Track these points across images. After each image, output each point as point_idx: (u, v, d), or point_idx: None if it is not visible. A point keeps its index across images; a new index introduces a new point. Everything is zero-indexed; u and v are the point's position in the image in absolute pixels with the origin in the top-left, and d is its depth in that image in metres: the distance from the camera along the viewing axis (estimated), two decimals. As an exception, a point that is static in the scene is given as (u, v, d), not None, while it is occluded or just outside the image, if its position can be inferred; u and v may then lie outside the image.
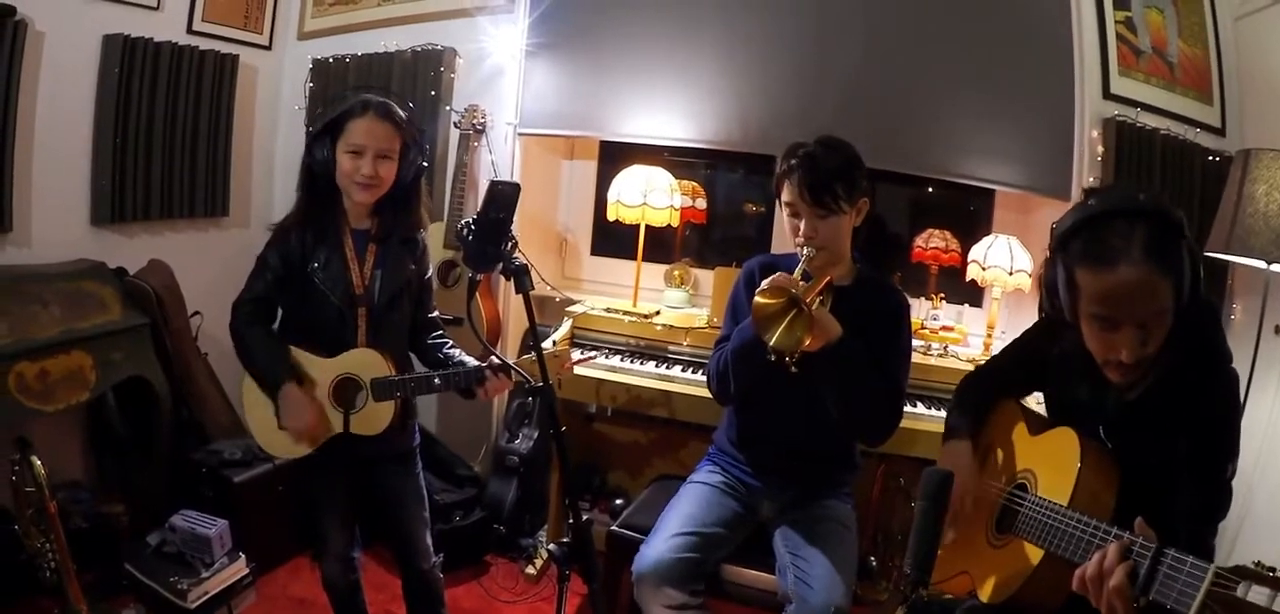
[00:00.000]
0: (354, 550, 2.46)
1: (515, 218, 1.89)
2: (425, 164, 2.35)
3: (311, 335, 2.25)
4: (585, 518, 1.92)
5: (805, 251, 2.16)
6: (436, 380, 2.25)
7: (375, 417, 2.25)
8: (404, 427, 2.40)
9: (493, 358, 2.24)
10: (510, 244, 1.92)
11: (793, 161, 2.19)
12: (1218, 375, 1.64)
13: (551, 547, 1.95)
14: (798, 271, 2.09)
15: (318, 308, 2.24)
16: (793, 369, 2.04)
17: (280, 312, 2.32)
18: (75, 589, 2.42)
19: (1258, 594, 1.16)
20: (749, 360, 2.17)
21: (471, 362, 2.31)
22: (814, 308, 1.99)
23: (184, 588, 2.76)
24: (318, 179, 2.23)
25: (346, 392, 2.24)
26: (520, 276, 1.91)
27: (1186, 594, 1.24)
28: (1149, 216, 1.52)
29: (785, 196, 2.22)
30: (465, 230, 1.94)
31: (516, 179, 3.60)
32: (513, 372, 2.20)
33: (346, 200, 2.25)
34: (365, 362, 2.24)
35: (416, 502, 2.46)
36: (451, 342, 2.46)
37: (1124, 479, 1.64)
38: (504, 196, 1.88)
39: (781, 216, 3.67)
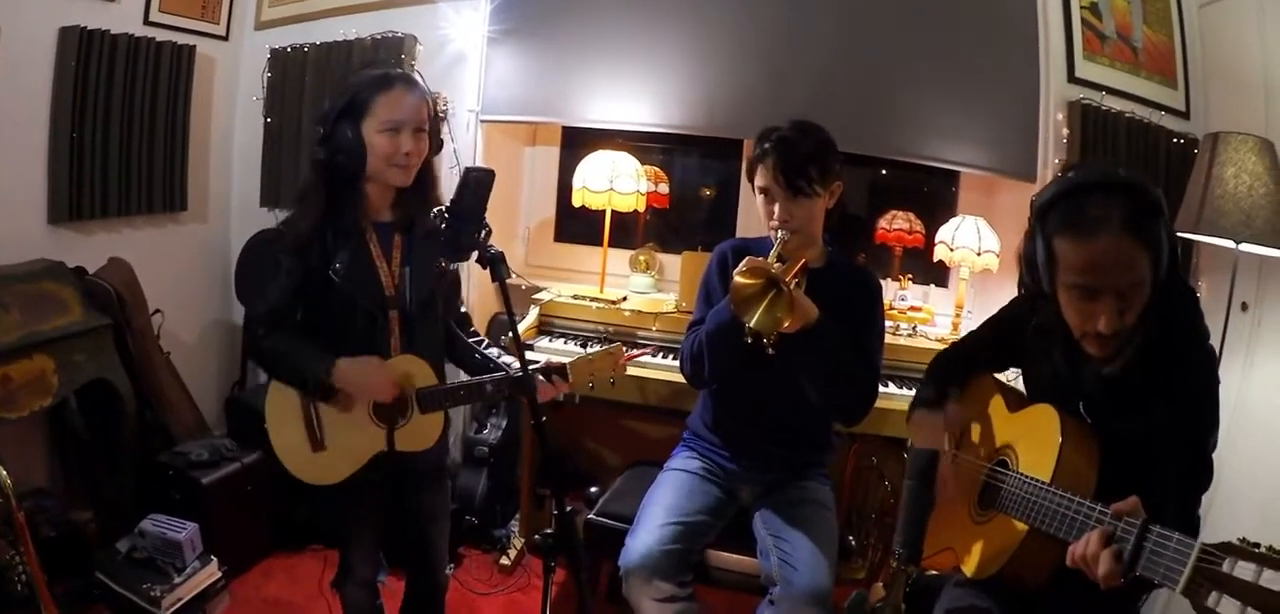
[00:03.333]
0: (380, 576, 2.37)
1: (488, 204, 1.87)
2: (443, 137, 2.20)
3: (338, 347, 2.03)
4: (570, 508, 1.92)
5: (779, 235, 2.20)
6: (489, 387, 2.12)
7: (423, 430, 2.11)
8: (444, 437, 2.29)
9: (548, 360, 2.17)
10: (485, 231, 1.90)
11: (767, 146, 2.23)
12: (1196, 351, 1.69)
13: (536, 537, 1.95)
14: (772, 255, 2.12)
15: (343, 315, 2.06)
16: (770, 351, 2.07)
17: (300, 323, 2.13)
18: (48, 601, 2.41)
19: (1243, 569, 1.22)
20: (725, 342, 2.18)
21: (510, 362, 2.18)
22: (793, 289, 2.02)
23: (157, 595, 2.77)
24: (338, 170, 2.02)
25: (389, 405, 2.07)
26: (496, 264, 1.87)
27: (1173, 570, 1.30)
28: (1128, 190, 1.57)
29: (759, 181, 2.25)
30: (439, 219, 1.92)
31: (475, 159, 3.64)
32: (569, 373, 2.16)
33: (371, 189, 2.08)
34: (407, 370, 2.08)
35: (444, 516, 2.40)
36: (487, 341, 2.34)
37: (1104, 454, 1.70)
38: (478, 183, 1.86)
39: (743, 200, 3.73)
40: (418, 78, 2.10)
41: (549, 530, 1.96)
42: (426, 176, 2.14)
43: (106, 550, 2.94)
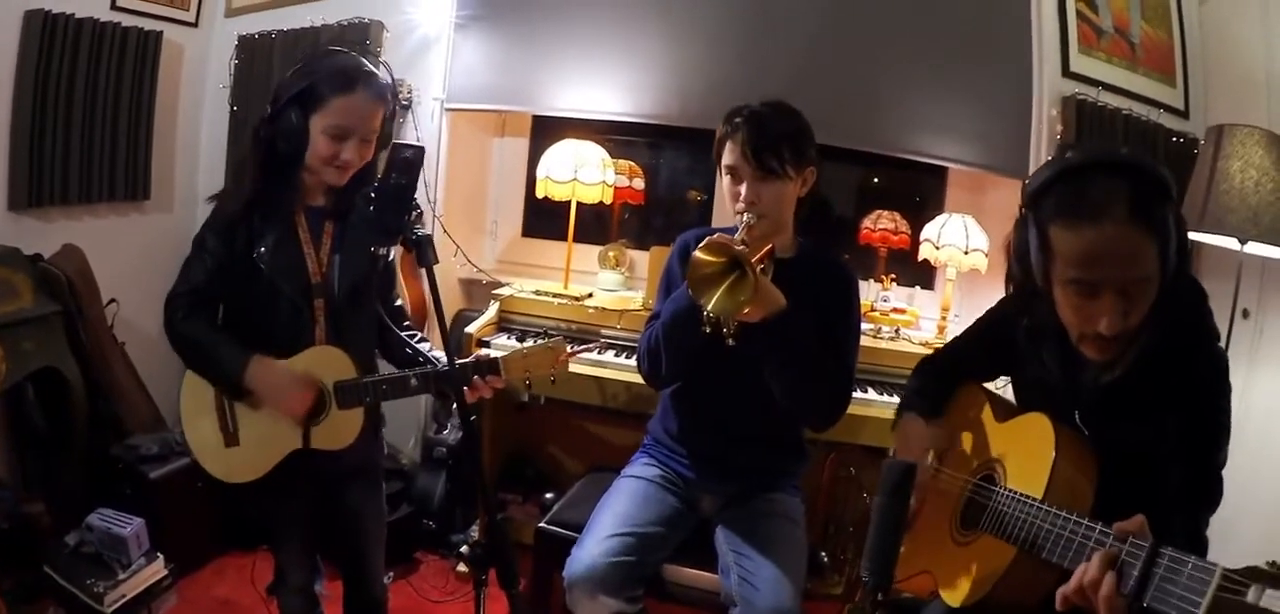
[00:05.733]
0: (316, 583, 2.31)
1: (419, 185, 1.82)
2: (389, 134, 2.12)
3: (260, 334, 2.00)
4: (502, 515, 1.86)
5: (745, 218, 2.09)
6: (413, 382, 2.03)
7: (341, 427, 2.04)
8: (374, 437, 2.25)
9: (478, 355, 2.10)
10: (414, 213, 1.85)
11: (737, 121, 2.13)
12: (1205, 353, 1.56)
13: (464, 548, 1.88)
14: (737, 238, 2.01)
15: (266, 301, 2.00)
16: (730, 342, 1.96)
17: (222, 308, 2.09)
18: None
19: (1273, 599, 1.06)
20: (683, 331, 2.08)
21: (441, 356, 2.09)
22: (758, 272, 1.91)
23: (101, 591, 2.77)
24: (280, 155, 1.97)
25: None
26: (423, 248, 1.82)
27: (1189, 600, 1.15)
28: (1133, 172, 1.44)
29: (726, 160, 2.15)
30: (365, 200, 1.86)
31: (440, 150, 3.66)
32: (502, 370, 2.08)
33: (307, 176, 2.03)
34: (327, 362, 2.02)
35: (378, 522, 2.33)
36: (421, 334, 2.27)
37: (1102, 469, 1.57)
38: (407, 161, 1.80)
39: (721, 196, 3.68)
40: (383, 76, 2.04)
41: (480, 540, 1.89)
42: (368, 166, 2.08)
43: (56, 544, 2.95)
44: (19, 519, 2.99)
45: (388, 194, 1.81)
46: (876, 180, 4.00)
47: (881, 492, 1.38)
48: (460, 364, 2.04)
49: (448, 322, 3.56)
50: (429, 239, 1.85)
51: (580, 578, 2.07)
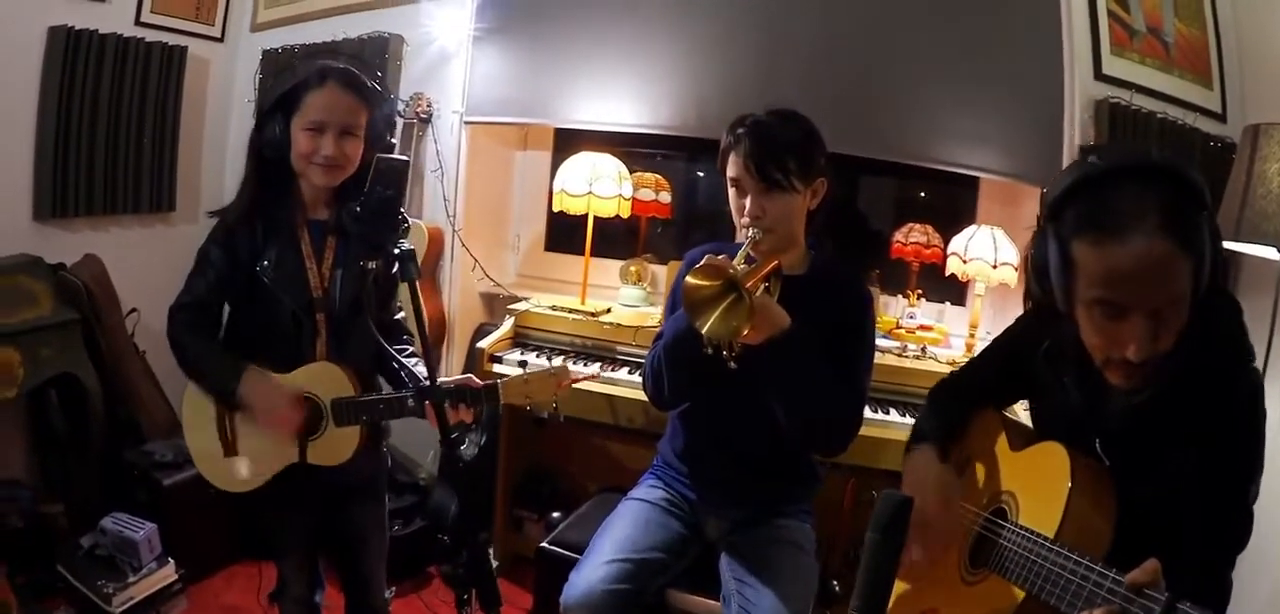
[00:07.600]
0: (317, 594, 2.35)
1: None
2: (394, 140, 2.19)
3: (261, 347, 2.05)
4: (485, 535, 1.84)
5: (751, 233, 2.03)
6: (410, 402, 2.02)
7: (338, 444, 2.07)
8: (376, 452, 2.27)
9: (467, 378, 2.10)
10: (403, 226, 1.88)
11: (740, 131, 2.08)
12: (1240, 378, 1.45)
13: (446, 568, 1.86)
14: (740, 256, 1.95)
15: (268, 314, 2.05)
16: (731, 364, 1.93)
17: (224, 320, 2.15)
18: (4, 588, 2.57)
19: None
20: (682, 352, 2.05)
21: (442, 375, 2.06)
22: (755, 294, 1.86)
23: (110, 592, 2.85)
24: (269, 164, 2.04)
25: (304, 415, 2.04)
26: (406, 262, 1.84)
27: None
28: (1165, 178, 1.32)
29: (730, 172, 2.11)
30: (350, 214, 1.90)
31: (460, 163, 3.70)
32: (500, 394, 2.08)
33: (304, 186, 2.08)
34: (325, 378, 2.05)
35: (379, 535, 2.36)
36: (412, 349, 2.29)
37: (1123, 505, 1.46)
38: (392, 172, 1.83)
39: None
40: (359, 76, 2.08)
41: (461, 560, 1.87)
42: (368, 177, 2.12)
43: (70, 545, 3.04)
44: (36, 519, 3.09)
45: (373, 206, 1.83)
46: (923, 194, 3.94)
47: (873, 527, 1.25)
48: (457, 386, 2.03)
49: (471, 335, 3.63)
50: (412, 254, 1.87)
51: (576, 604, 2.03)
